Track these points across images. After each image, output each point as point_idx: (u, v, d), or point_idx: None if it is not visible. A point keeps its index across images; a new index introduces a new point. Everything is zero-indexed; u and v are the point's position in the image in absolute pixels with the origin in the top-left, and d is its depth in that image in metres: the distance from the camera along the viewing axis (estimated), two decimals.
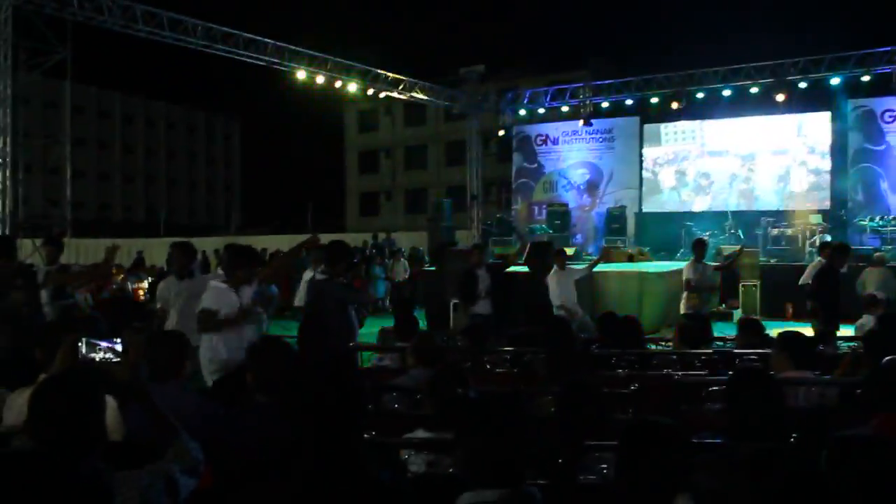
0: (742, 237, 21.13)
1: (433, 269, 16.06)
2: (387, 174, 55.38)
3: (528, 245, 15.99)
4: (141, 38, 18.35)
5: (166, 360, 4.35)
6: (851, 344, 8.17)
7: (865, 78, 21.12)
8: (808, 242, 19.90)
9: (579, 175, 27.52)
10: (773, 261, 19.22)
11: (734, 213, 22.45)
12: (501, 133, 28.26)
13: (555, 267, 12.73)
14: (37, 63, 21.71)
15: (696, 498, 2.40)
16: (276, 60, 20.68)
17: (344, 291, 8.04)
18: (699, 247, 12.57)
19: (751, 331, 7.40)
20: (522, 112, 27.78)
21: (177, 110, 78.54)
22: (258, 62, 20.52)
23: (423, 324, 14.68)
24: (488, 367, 6.96)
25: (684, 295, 12.07)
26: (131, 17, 17.67)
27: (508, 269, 14.23)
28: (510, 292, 14.35)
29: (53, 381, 2.77)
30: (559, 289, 12.41)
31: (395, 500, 2.61)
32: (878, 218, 20.24)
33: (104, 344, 3.13)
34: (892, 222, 19.75)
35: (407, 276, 22.40)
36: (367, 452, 3.67)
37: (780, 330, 5.91)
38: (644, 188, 26.05)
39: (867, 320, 9.23)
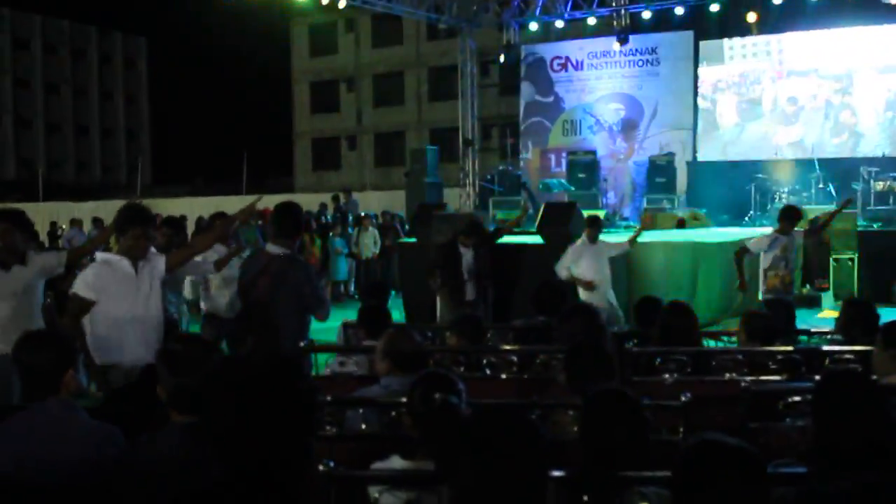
0: (835, 194, 21.15)
1: (413, 240, 16.03)
2: (349, 113, 55.18)
3: (543, 207, 15.98)
4: None
5: (43, 371, 4.29)
6: None
7: None
8: None
9: (612, 112, 27.49)
10: (876, 225, 19.27)
11: (823, 161, 22.44)
12: (503, 58, 28.02)
13: (582, 239, 12.76)
14: None
15: None
16: None
17: (309, 281, 7.82)
18: (787, 216, 12.54)
19: (859, 317, 7.41)
20: (534, 26, 27.59)
21: (58, 27, 77.92)
22: None
23: (400, 315, 14.75)
24: (488, 371, 6.97)
25: (769, 273, 12.21)
26: None
27: (506, 241, 14.22)
28: (516, 271, 14.37)
29: None
30: (586, 269, 12.46)
31: None
32: None
33: None
34: None
35: (378, 252, 22.39)
36: (322, 488, 3.68)
37: (889, 320, 5.91)
38: (701, 125, 26.07)
39: None
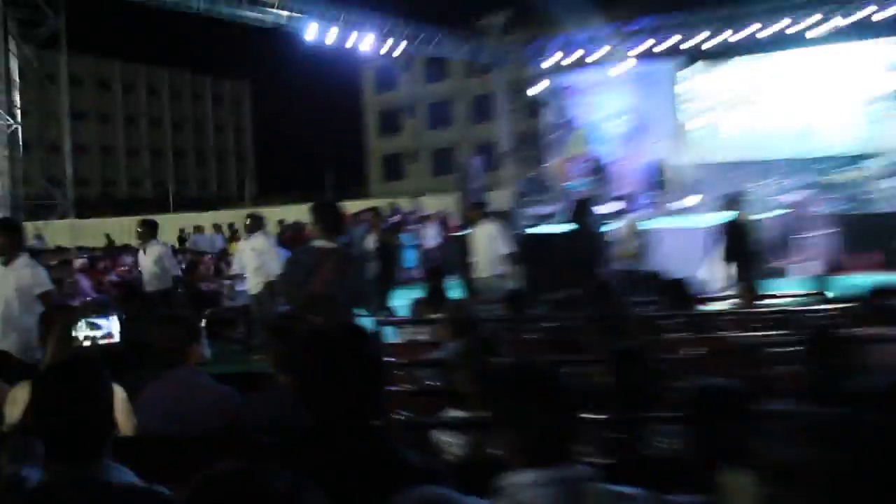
0: (800, 186, 20.73)
1: (465, 234, 15.89)
2: (410, 134, 55.21)
3: (570, 204, 15.82)
4: (137, 3, 18.30)
5: (174, 343, 4.26)
6: None
7: None
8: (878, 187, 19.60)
9: (616, 126, 27.19)
10: (844, 209, 18.83)
11: (790, 160, 22.02)
12: (531, 91, 27.89)
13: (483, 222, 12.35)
14: (30, 35, 21.73)
15: (762, 470, 2.28)
16: (282, 19, 20.53)
17: (363, 281, 6.90)
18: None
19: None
20: (552, 60, 27.45)
21: (181, 77, 78.76)
22: (263, 24, 20.40)
23: (459, 293, 14.64)
24: (529, 336, 6.84)
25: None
26: None
27: (538, 231, 14.13)
28: (546, 254, 14.23)
29: (53, 371, 2.70)
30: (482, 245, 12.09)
31: (429, 483, 2.50)
32: None
33: (103, 322, 3.20)
34: None
35: (437, 243, 22.31)
36: (395, 433, 3.60)
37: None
38: (685, 132, 25.66)
39: None
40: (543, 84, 28.27)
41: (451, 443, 3.79)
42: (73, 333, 3.40)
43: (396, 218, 24.62)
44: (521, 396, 2.45)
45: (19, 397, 3.93)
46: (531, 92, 28.24)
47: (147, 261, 11.09)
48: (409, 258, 22.00)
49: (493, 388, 2.62)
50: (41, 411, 2.59)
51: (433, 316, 6.67)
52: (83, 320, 3.31)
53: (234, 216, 29.93)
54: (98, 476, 2.50)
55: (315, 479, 1.92)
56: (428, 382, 5.17)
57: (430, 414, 4.22)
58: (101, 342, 3.37)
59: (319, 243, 6.53)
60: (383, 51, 23.91)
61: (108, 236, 26.08)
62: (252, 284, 11.49)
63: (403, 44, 24.19)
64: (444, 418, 3.96)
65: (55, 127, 23.83)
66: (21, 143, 21.23)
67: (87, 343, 3.36)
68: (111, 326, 3.39)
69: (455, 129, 53.83)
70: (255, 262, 11.34)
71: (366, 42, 22.81)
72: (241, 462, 1.77)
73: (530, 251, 13.45)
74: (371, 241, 12.95)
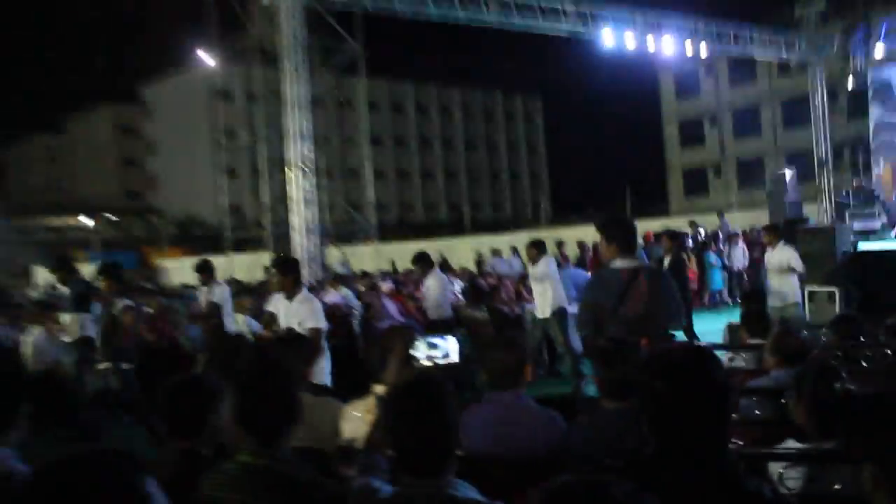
0: None
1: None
2: (713, 145, 54.02)
3: None
4: (431, 22, 19.30)
5: (509, 367, 4.48)
6: None
7: None
8: None
9: None
10: None
11: None
12: (854, 87, 26.42)
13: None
14: (328, 62, 23.29)
15: None
16: (578, 29, 20.88)
17: (676, 299, 6.35)
18: None
19: None
20: (879, 51, 25.86)
21: (472, 95, 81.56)
22: (558, 33, 20.84)
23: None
24: (864, 365, 6.59)
25: None
26: (421, 1, 18.63)
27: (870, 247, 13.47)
28: (878, 273, 13.51)
29: (403, 390, 3.02)
30: None
31: None
32: None
33: (440, 342, 3.60)
34: None
35: (747, 264, 21.74)
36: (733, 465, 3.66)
37: None
38: None
39: None
40: (869, 78, 26.75)
41: (787, 476, 3.81)
42: (413, 353, 3.80)
43: (699, 237, 24.30)
44: (885, 427, 2.44)
45: (354, 415, 4.38)
46: (854, 88, 26.76)
47: (429, 291, 12.83)
48: (717, 280, 21.70)
49: (853, 419, 2.63)
50: (394, 428, 2.93)
51: (755, 342, 6.60)
52: (422, 340, 3.73)
53: (532, 238, 30.44)
54: (445, 490, 2.81)
55: None
56: (756, 412, 5.16)
57: (759, 445, 4.24)
58: (441, 362, 3.74)
59: (621, 263, 6.19)
60: (689, 52, 23.51)
61: (393, 263, 27.17)
62: (540, 309, 12.26)
63: (705, 45, 23.74)
64: (780, 449, 3.97)
65: (354, 153, 25.36)
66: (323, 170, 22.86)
67: (427, 363, 3.75)
68: (449, 346, 3.75)
69: (763, 137, 52.06)
70: (540, 288, 12.20)
71: (666, 44, 22.59)
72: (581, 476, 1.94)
73: (860, 270, 12.83)
74: (665, 263, 13.56)
